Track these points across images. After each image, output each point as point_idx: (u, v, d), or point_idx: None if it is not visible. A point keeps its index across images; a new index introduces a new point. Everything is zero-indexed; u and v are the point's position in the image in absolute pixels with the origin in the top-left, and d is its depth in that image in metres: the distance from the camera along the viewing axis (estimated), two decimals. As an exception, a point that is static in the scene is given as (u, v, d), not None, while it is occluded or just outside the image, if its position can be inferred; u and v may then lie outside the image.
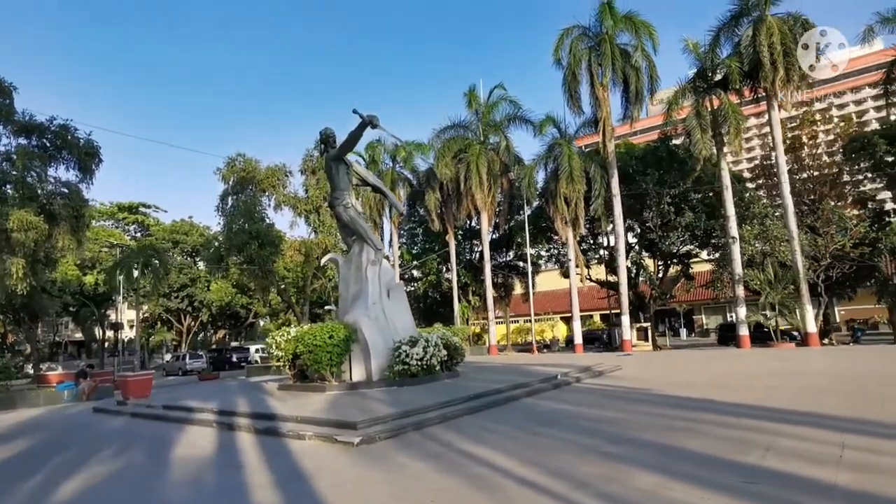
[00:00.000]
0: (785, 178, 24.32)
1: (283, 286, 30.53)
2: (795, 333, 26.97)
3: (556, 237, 38.05)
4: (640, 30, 27.67)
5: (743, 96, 25.87)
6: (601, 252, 36.69)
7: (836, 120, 32.32)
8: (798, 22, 24.00)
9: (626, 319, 28.29)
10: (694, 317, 58.09)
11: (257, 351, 45.43)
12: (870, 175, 29.26)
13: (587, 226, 32.69)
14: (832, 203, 27.94)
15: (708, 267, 38.59)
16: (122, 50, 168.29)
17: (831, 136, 29.31)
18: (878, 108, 75.21)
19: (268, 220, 27.95)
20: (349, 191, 16.16)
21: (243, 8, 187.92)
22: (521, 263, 41.51)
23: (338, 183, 15.84)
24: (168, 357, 57.04)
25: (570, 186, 29.41)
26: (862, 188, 29.42)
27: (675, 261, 34.73)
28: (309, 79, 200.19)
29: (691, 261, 35.07)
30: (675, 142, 31.21)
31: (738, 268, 25.06)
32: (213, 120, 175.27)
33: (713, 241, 30.88)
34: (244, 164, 28.97)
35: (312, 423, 9.65)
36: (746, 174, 34.71)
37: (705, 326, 56.56)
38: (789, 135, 31.12)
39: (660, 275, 32.93)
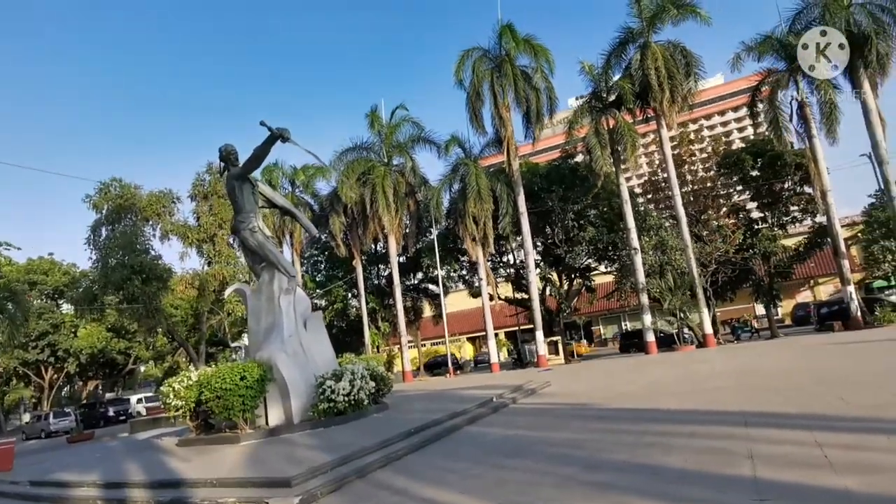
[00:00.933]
0: (677, 191, 26.08)
1: (172, 325, 27.21)
2: (687, 336, 28.90)
3: (462, 257, 38.06)
4: (538, 53, 28.64)
5: (635, 116, 27.55)
6: (508, 270, 37.09)
7: (707, 139, 35.54)
8: (677, 49, 26.10)
9: (539, 335, 28.56)
10: (592, 327, 60.92)
11: (140, 401, 40.25)
12: (739, 188, 32.32)
13: (496, 244, 32.88)
14: (712, 214, 30.46)
15: (608, 279, 40.63)
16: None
17: (705, 154, 32.13)
18: (740, 129, 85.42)
19: (152, 252, 24.82)
20: (255, 213, 14.52)
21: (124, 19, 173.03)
22: (430, 286, 40.94)
23: (242, 204, 14.18)
24: (27, 417, 48.96)
25: (479, 205, 29.46)
26: (735, 199, 32.40)
27: (576, 274, 35.95)
28: (197, 99, 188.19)
29: (592, 273, 36.53)
30: (576, 160, 32.59)
31: (641, 277, 26.30)
32: (81, 142, 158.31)
33: (611, 254, 32.35)
34: (121, 191, 25.62)
35: (233, 484, 8.04)
36: (637, 189, 36.95)
37: (603, 336, 59.49)
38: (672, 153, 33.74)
39: (565, 288, 33.88)
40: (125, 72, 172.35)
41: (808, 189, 28.24)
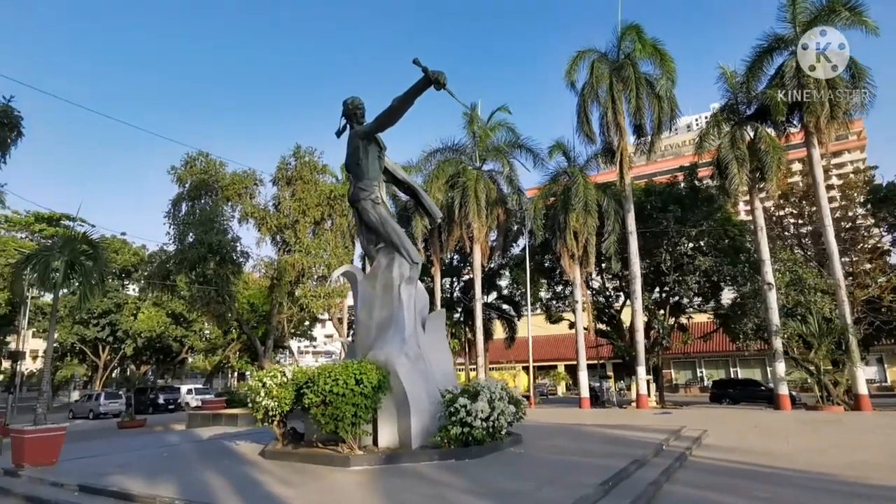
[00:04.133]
0: (829, 221, 22.19)
1: (241, 314, 25.17)
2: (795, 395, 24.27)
3: (543, 279, 34.90)
4: (664, 59, 25.62)
5: (780, 132, 23.94)
6: (597, 297, 33.53)
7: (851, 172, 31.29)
8: (838, 56, 22.49)
9: (642, 371, 24.92)
10: (662, 370, 55.96)
11: (189, 392, 38.55)
12: (881, 227, 27.98)
13: (600, 265, 29.47)
14: (854, 255, 26.26)
15: (703, 318, 36.43)
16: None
17: (844, 188, 28.07)
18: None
19: (231, 233, 22.90)
20: (380, 182, 12.03)
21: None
22: (504, 306, 37.88)
23: (366, 169, 11.69)
24: (76, 395, 48.25)
25: (583, 219, 26.35)
26: (878, 241, 28.04)
27: (670, 309, 32.03)
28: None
29: (691, 311, 32.55)
30: (699, 179, 29.04)
31: (775, 317, 22.39)
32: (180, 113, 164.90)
33: (728, 287, 28.44)
34: (206, 165, 24.02)
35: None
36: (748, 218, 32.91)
37: (674, 381, 54.33)
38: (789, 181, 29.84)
39: (668, 322, 29.97)
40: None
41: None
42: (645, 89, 25.34)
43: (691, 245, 27.07)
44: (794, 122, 23.73)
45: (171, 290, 23.88)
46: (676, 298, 29.70)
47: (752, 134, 24.09)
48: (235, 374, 51.74)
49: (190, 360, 59.55)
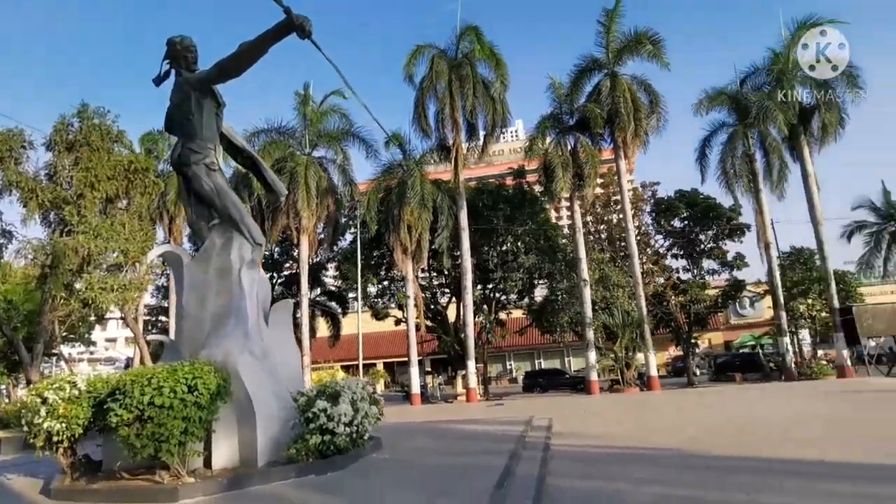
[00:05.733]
0: (631, 226, 25.25)
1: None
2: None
3: (371, 275, 34.01)
4: (500, 64, 26.67)
5: (595, 144, 26.50)
6: (427, 293, 33.71)
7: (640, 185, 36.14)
8: (642, 85, 25.82)
9: (472, 365, 25.54)
10: (477, 364, 59.13)
11: None
12: (660, 236, 32.96)
13: (430, 261, 29.45)
14: (642, 257, 30.44)
15: (517, 314, 39.05)
16: None
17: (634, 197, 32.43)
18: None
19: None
20: (216, 146, 9.85)
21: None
22: (330, 302, 36.06)
23: (198, 127, 9.40)
24: None
25: (418, 214, 26.09)
26: (658, 247, 32.95)
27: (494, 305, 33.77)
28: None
29: (510, 308, 34.66)
30: (527, 181, 30.79)
31: (589, 310, 24.70)
32: None
33: (543, 284, 30.78)
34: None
35: None
36: (565, 221, 36.33)
37: (489, 374, 57.85)
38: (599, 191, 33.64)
39: (492, 318, 31.33)
40: None
41: (730, 243, 29.47)
42: (481, 89, 26.06)
43: (518, 244, 28.62)
44: (606, 137, 26.51)
45: None
46: (499, 295, 31.26)
47: (572, 143, 26.33)
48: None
49: None
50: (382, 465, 8.33)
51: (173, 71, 9.63)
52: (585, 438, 11.12)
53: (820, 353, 33.25)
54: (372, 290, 35.10)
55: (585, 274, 25.08)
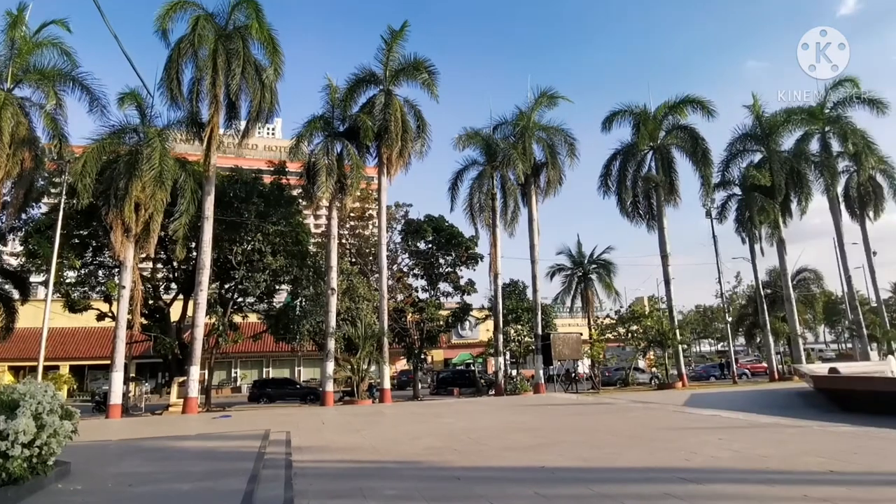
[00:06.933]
0: (384, 240, 25.80)
1: None
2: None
3: (74, 255, 27.59)
4: (276, 52, 24.75)
5: (363, 155, 26.46)
6: (147, 285, 28.61)
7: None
8: (413, 109, 27.08)
9: (195, 371, 22.37)
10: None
11: None
12: (408, 254, 34.85)
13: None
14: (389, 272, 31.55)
15: (252, 318, 36.23)
16: None
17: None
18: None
19: None
20: None
21: None
22: (5, 284, 27.85)
23: None
24: None
25: (151, 191, 22.15)
26: (401, 265, 34.63)
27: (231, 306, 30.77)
28: None
29: (248, 311, 32.02)
30: (289, 183, 28.79)
31: (333, 320, 24.18)
32: None
33: (286, 288, 29.28)
34: None
35: None
36: (314, 231, 35.35)
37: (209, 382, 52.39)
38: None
39: (226, 321, 28.14)
40: None
41: (465, 270, 32.77)
42: (252, 71, 23.82)
43: (267, 244, 26.57)
44: (373, 151, 26.85)
45: None
46: (237, 296, 28.55)
47: (339, 149, 25.90)
48: None
49: None
50: (71, 499, 6.27)
51: None
52: (329, 453, 10.47)
53: (516, 372, 39.30)
54: (71, 275, 28.40)
55: (335, 283, 24.62)
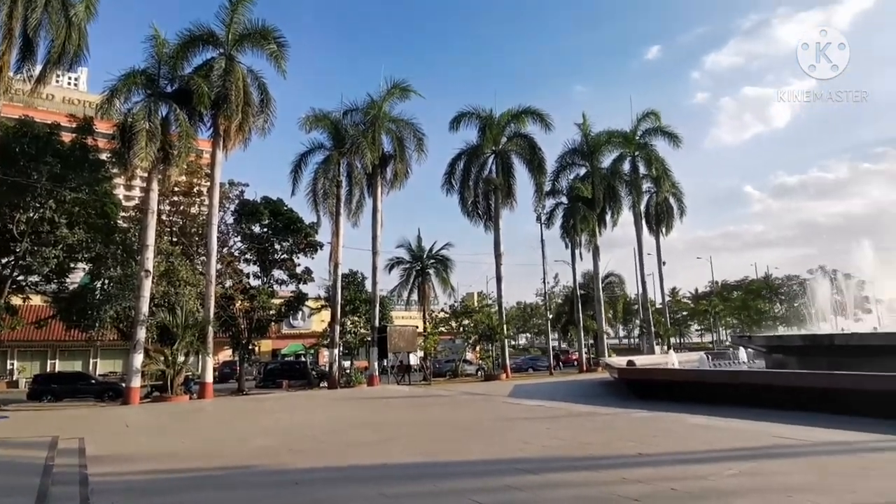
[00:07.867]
0: (215, 220, 23.37)
1: None
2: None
3: None
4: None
5: (194, 123, 23.50)
6: None
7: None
8: (257, 80, 24.90)
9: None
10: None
11: None
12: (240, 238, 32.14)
13: None
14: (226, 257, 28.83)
15: (37, 301, 30.34)
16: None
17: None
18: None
19: None
20: None
21: None
22: None
23: None
24: None
25: None
26: (231, 249, 31.72)
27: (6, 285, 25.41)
28: None
29: (30, 291, 26.78)
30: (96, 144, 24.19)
31: (145, 306, 21.18)
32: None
33: (83, 267, 25.05)
34: None
35: None
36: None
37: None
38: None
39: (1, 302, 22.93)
40: None
41: (303, 258, 31.28)
42: (58, 5, 19.77)
43: (62, 213, 22.33)
44: (207, 121, 24.11)
45: None
46: (18, 274, 23.64)
47: (164, 113, 22.79)
48: None
49: None
50: None
51: None
52: (136, 462, 8.97)
53: (348, 363, 38.72)
54: None
55: (150, 264, 21.55)
